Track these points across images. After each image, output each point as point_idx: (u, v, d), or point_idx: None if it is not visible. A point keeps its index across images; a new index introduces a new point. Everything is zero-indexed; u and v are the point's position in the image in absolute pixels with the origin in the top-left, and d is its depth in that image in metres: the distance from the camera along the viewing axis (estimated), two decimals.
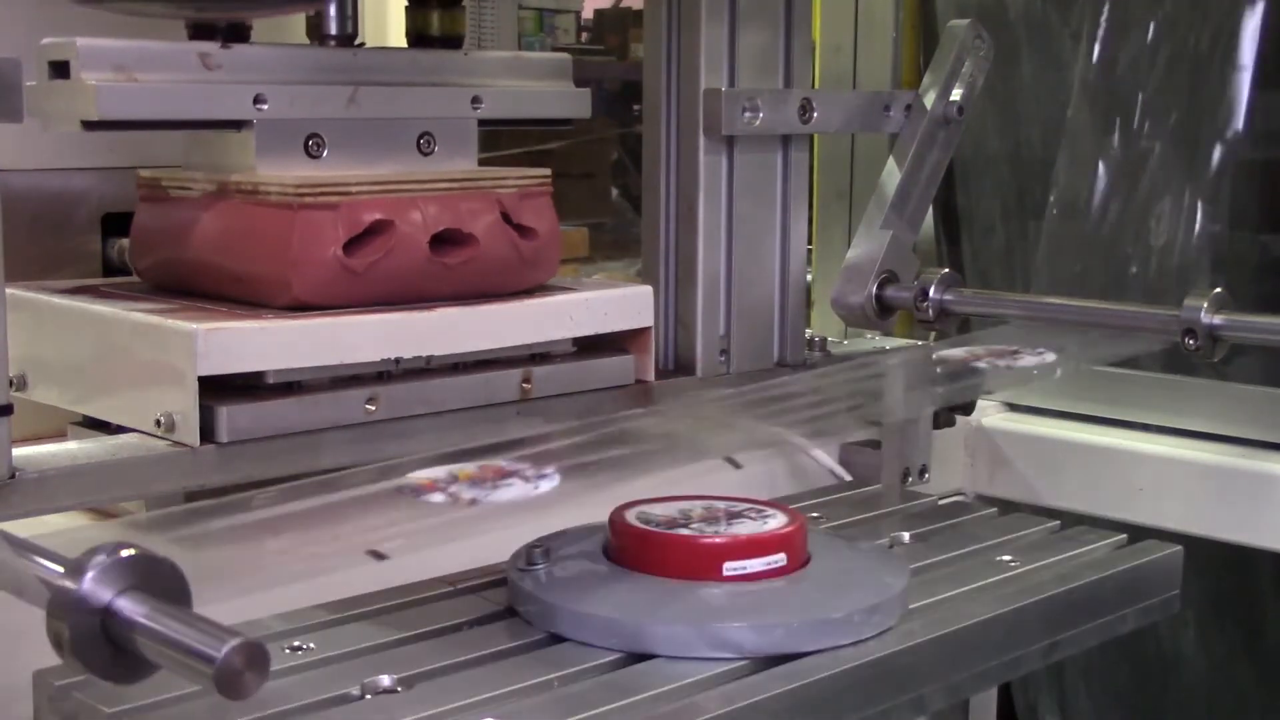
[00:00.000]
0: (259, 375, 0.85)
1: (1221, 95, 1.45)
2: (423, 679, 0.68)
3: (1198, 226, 1.47)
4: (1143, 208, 1.50)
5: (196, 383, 0.81)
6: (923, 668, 0.74)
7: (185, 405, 0.82)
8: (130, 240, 0.99)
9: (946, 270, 1.13)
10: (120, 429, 0.86)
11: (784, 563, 0.76)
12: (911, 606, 0.77)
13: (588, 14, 4.84)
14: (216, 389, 0.83)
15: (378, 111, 0.96)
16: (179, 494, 0.82)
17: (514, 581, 0.76)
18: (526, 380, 0.96)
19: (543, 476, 0.76)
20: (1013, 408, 1.29)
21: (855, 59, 1.61)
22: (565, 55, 1.08)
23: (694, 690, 0.67)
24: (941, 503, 1.02)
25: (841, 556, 0.82)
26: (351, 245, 0.89)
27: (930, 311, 1.12)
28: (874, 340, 1.27)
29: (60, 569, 0.54)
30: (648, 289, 1.02)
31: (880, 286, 1.13)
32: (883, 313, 1.14)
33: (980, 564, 0.87)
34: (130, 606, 0.52)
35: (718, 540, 0.75)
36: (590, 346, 1.00)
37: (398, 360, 0.90)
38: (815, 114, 1.11)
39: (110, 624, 0.53)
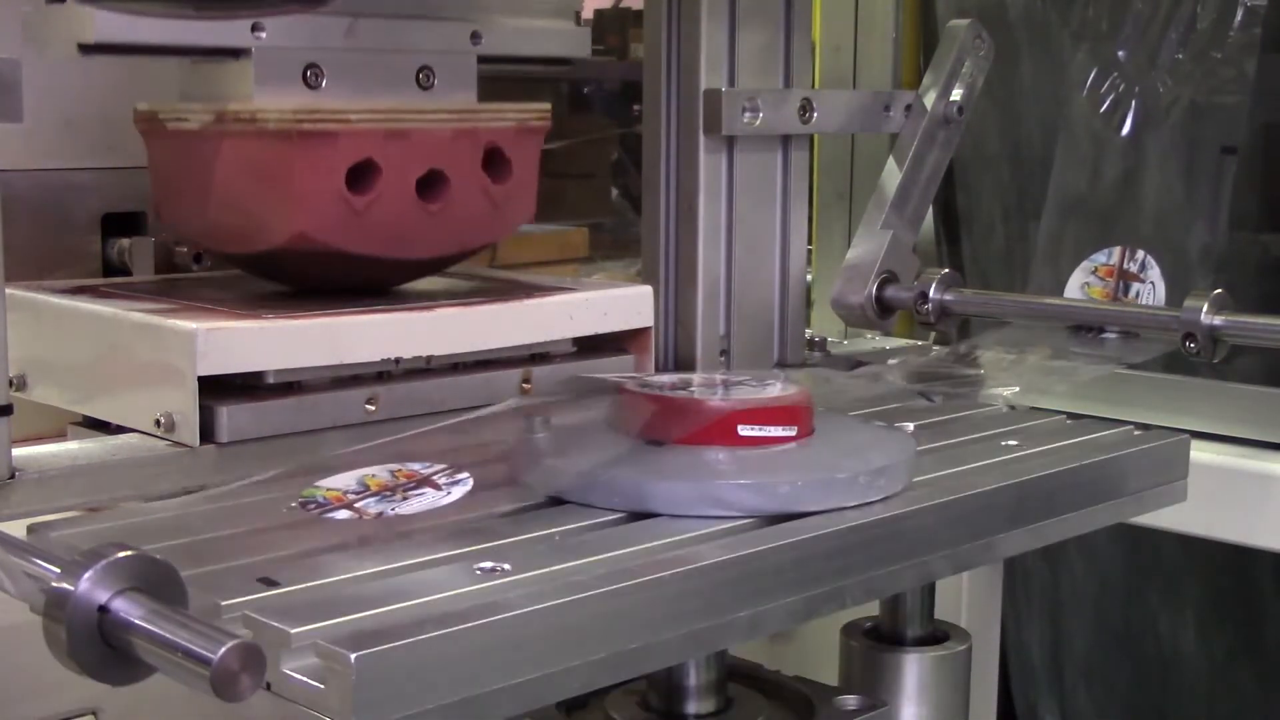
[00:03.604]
0: (259, 375, 0.85)
1: (1222, 94, 1.45)
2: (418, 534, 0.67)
3: (1198, 227, 1.47)
4: (1142, 207, 1.50)
5: (196, 383, 0.81)
6: (927, 533, 0.74)
7: (185, 405, 0.82)
8: (151, 181, 0.98)
9: (946, 270, 1.13)
10: (120, 429, 0.86)
11: (791, 430, 0.75)
12: (916, 480, 0.77)
13: (588, 14, 4.84)
14: (216, 389, 0.83)
15: (376, 43, 0.95)
16: (179, 494, 0.82)
17: (515, 449, 0.75)
18: (526, 380, 0.96)
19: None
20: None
21: (855, 59, 1.61)
22: None
23: (694, 543, 0.67)
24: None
25: (848, 428, 0.81)
26: (351, 181, 0.89)
27: (930, 312, 1.12)
28: (874, 340, 1.27)
29: (57, 570, 0.54)
30: (648, 289, 1.02)
31: (880, 286, 1.13)
32: (883, 313, 1.14)
33: (987, 446, 0.87)
34: (127, 608, 0.52)
35: (725, 405, 0.74)
36: (590, 346, 1.00)
37: (398, 360, 0.90)
38: (815, 114, 1.11)
39: (107, 625, 0.53)
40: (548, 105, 1.00)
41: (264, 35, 0.90)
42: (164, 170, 0.96)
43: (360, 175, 0.90)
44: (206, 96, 0.93)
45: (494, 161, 0.97)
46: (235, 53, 0.90)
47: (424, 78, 0.97)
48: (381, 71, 0.95)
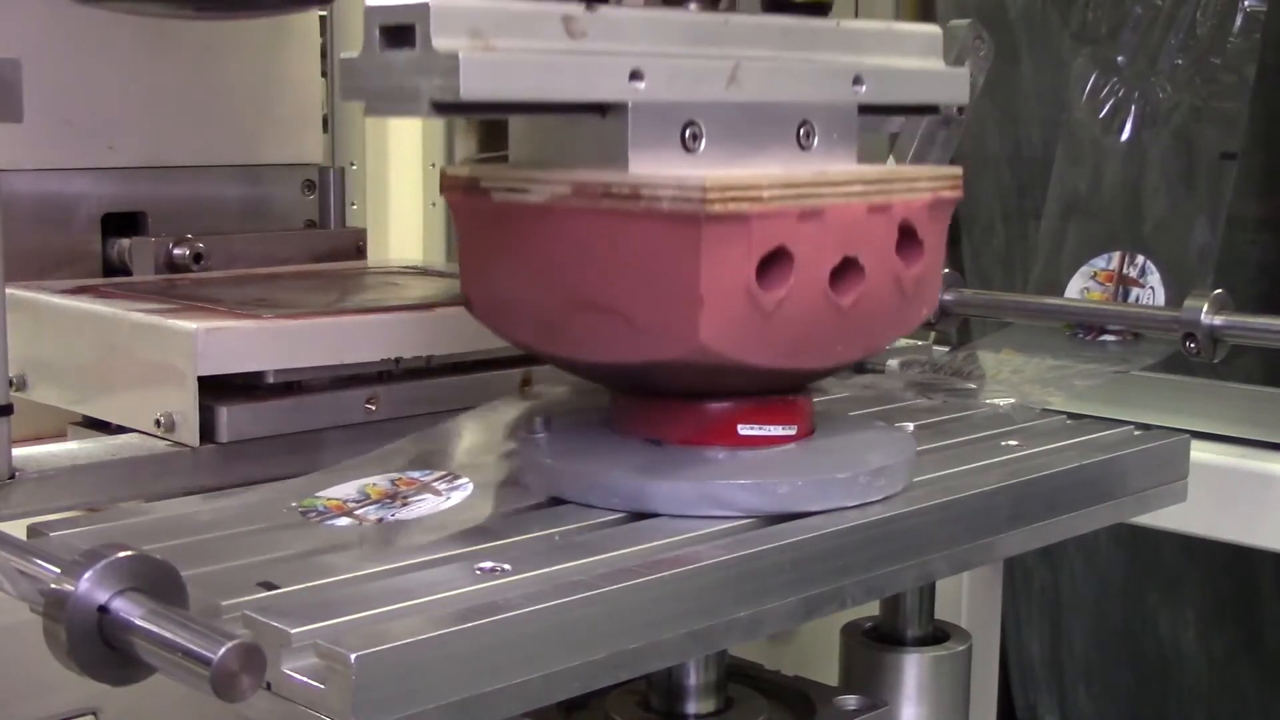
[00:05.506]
0: (259, 375, 0.85)
1: (1222, 100, 1.45)
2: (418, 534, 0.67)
3: (1197, 231, 1.47)
4: (1142, 211, 1.50)
5: (196, 383, 0.82)
6: (927, 533, 0.73)
7: (185, 405, 0.82)
8: (460, 262, 0.80)
9: (947, 270, 1.13)
10: (120, 429, 0.86)
11: (791, 430, 0.75)
12: (916, 480, 0.77)
13: None
14: (216, 389, 0.83)
15: (758, 94, 0.74)
16: (179, 494, 0.82)
17: (516, 450, 0.75)
18: (526, 380, 0.96)
19: None
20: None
21: None
22: (935, 28, 0.85)
23: (694, 543, 0.67)
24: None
25: (848, 428, 0.81)
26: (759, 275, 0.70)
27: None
28: None
29: (57, 570, 0.54)
30: None
31: None
32: None
33: (987, 447, 0.87)
34: (126, 608, 0.52)
35: (724, 404, 0.74)
36: None
37: (398, 360, 0.90)
38: None
39: (106, 626, 0.53)
40: (959, 170, 0.80)
41: (643, 86, 0.69)
42: (483, 252, 0.76)
43: (769, 267, 0.70)
44: (555, 161, 0.73)
45: (906, 242, 0.77)
46: (603, 109, 0.69)
47: (804, 135, 0.77)
48: (760, 129, 0.74)
